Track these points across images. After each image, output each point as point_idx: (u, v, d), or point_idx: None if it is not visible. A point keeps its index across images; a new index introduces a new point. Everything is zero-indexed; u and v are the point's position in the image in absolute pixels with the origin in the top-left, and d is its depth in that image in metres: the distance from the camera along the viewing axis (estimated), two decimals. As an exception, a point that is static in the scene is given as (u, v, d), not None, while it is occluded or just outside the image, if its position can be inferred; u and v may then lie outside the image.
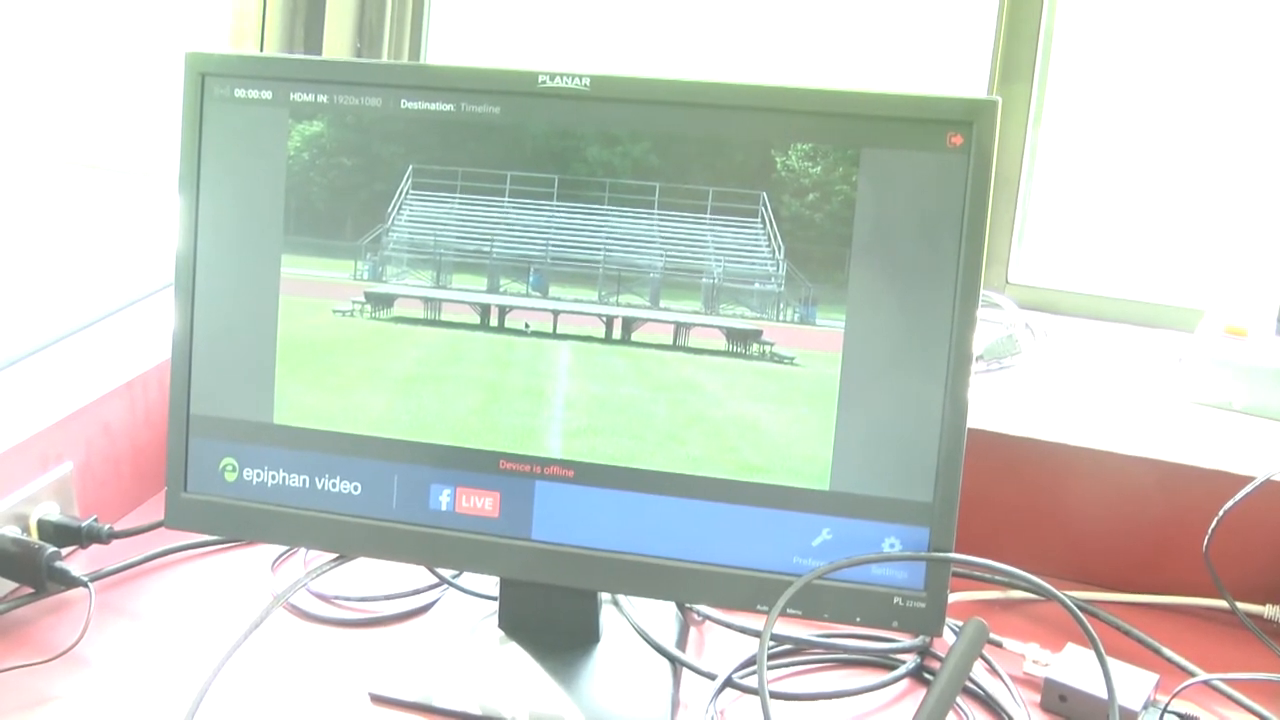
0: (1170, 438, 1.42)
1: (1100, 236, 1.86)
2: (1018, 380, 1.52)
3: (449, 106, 1.23)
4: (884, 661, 1.33)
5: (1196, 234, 1.81)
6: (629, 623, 1.34)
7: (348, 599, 1.42)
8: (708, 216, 1.20)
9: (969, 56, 1.82)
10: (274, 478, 1.28)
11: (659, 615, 1.37)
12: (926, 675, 1.32)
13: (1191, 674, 1.31)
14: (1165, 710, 1.25)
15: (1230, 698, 1.29)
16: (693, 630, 1.38)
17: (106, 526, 1.45)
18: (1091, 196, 1.85)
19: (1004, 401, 1.46)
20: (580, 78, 1.21)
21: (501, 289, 1.25)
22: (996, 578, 1.41)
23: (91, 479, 1.50)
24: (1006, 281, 1.81)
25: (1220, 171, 1.79)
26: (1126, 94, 1.81)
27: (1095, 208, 1.85)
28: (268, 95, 1.25)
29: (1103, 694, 1.20)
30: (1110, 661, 1.24)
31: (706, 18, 1.92)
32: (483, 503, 1.25)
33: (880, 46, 1.86)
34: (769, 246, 1.19)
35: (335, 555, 1.29)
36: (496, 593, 1.34)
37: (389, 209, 1.25)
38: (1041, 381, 1.52)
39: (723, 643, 1.36)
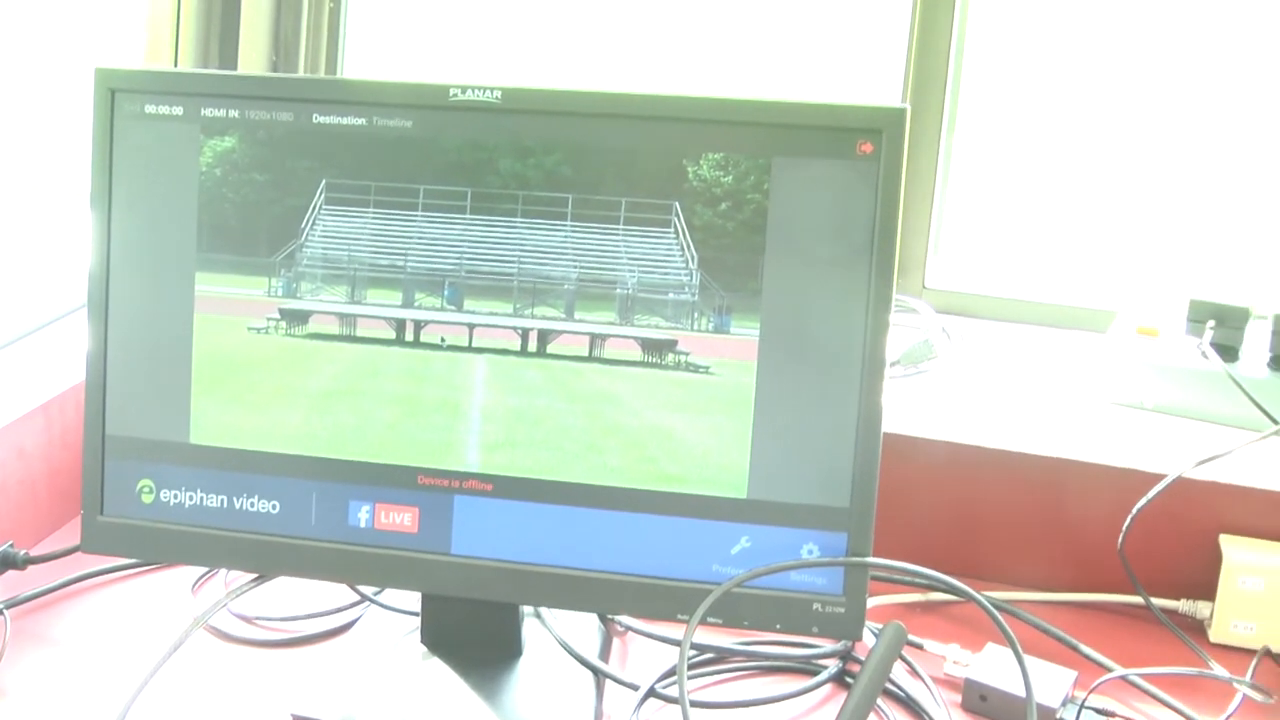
0: (1084, 438, 1.44)
1: (1016, 241, 1.88)
2: (935, 384, 1.53)
3: (361, 120, 1.22)
4: (806, 667, 1.34)
5: (1109, 237, 1.83)
6: (551, 635, 1.33)
7: (269, 619, 1.41)
8: (621, 227, 1.20)
9: (885, 65, 1.83)
10: (192, 498, 1.27)
11: (581, 627, 1.36)
12: (848, 680, 1.32)
13: (1109, 670, 1.32)
14: (1083, 706, 1.26)
15: (1147, 692, 1.31)
16: (615, 641, 1.38)
17: (22, 552, 1.42)
18: (1006, 201, 1.87)
19: (921, 405, 1.47)
20: (491, 90, 1.20)
21: (416, 303, 1.24)
22: (915, 580, 1.41)
23: (7, 503, 1.48)
24: (924, 287, 1.82)
25: (1130, 175, 1.81)
26: (1038, 100, 1.83)
27: (1010, 212, 1.87)
28: (179, 111, 1.24)
29: (1022, 693, 1.21)
30: (1029, 660, 1.25)
31: (626, 28, 1.92)
32: (401, 518, 1.24)
33: (796, 56, 1.87)
34: (682, 256, 1.19)
35: (255, 575, 1.27)
36: (418, 608, 1.33)
37: (302, 224, 1.24)
38: (958, 385, 1.53)
39: (646, 653, 1.36)
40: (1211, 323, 1.49)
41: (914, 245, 1.82)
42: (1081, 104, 1.81)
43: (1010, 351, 1.67)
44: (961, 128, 1.83)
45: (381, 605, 1.40)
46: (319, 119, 1.23)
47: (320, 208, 1.24)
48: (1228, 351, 1.49)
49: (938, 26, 1.78)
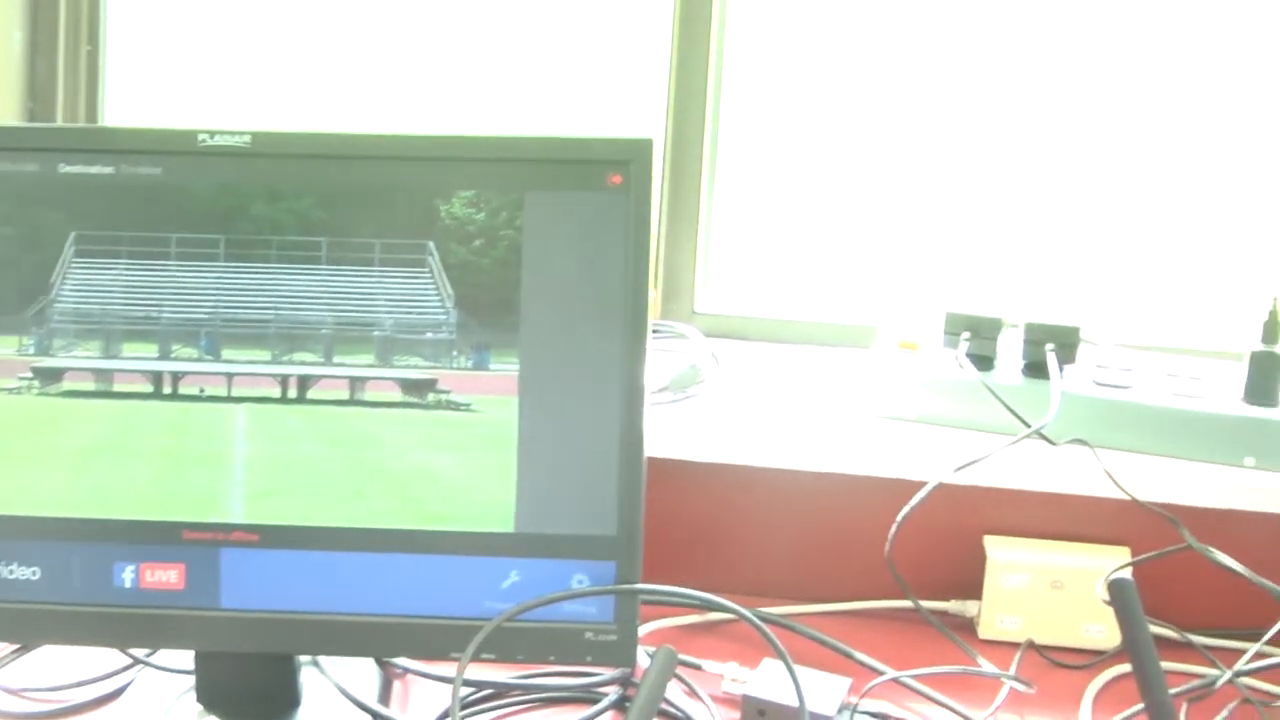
0: (851, 451, 1.47)
1: (785, 262, 1.91)
2: (704, 408, 1.55)
3: (109, 169, 1.19)
4: (587, 696, 1.34)
5: (870, 255, 1.87)
6: (330, 682, 1.31)
7: (36, 690, 1.35)
8: (376, 269, 1.19)
9: (648, 96, 1.85)
10: (-55, 569, 1.22)
11: (359, 672, 1.35)
12: (628, 706, 1.33)
13: (881, 673, 1.35)
14: (855, 711, 1.29)
15: (919, 692, 1.34)
16: (395, 684, 1.36)
17: None
18: (774, 224, 1.90)
19: (690, 429, 1.49)
20: (240, 134, 1.18)
21: (173, 355, 1.21)
22: (687, 602, 1.42)
23: None
24: (693, 312, 1.85)
25: (887, 193, 1.86)
26: (797, 123, 1.87)
27: (779, 235, 1.91)
28: (-82, 165, 1.19)
29: (798, 704, 1.23)
30: (804, 670, 1.28)
31: (386, 67, 1.91)
32: (167, 576, 1.21)
33: (558, 91, 1.88)
34: (439, 295, 1.19)
35: (17, 645, 1.23)
36: (192, 666, 1.29)
37: (52, 279, 1.20)
38: (727, 407, 1.56)
39: (426, 694, 1.34)
40: (966, 334, 1.54)
41: (681, 271, 1.84)
42: (838, 126, 1.86)
43: (779, 371, 1.70)
44: (725, 152, 1.86)
45: (154, 666, 1.36)
46: (65, 169, 1.19)
47: (70, 261, 1.20)
48: (984, 361, 1.54)
49: (696, 54, 1.81)
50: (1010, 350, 1.56)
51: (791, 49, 1.85)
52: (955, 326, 1.55)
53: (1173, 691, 1.17)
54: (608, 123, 1.87)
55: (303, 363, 1.20)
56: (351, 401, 1.20)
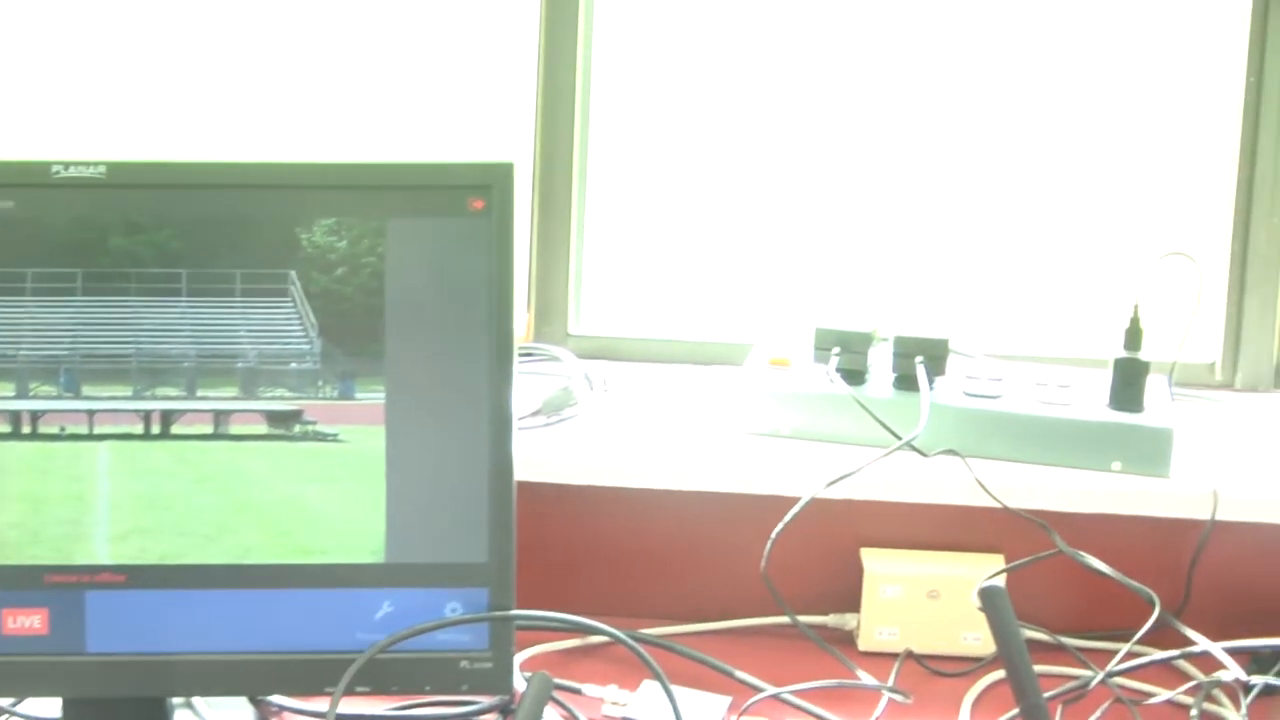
0: (725, 469, 1.51)
1: (657, 282, 1.95)
2: (577, 430, 1.58)
3: (-41, 205, 1.19)
4: (468, 725, 1.36)
5: (742, 272, 1.92)
6: (203, 723, 1.32)
7: (-106, 744, 1.34)
8: (238, 299, 1.21)
9: (515, 116, 1.88)
10: None
11: (234, 712, 1.35)
12: (510, 732, 1.35)
13: (761, 690, 1.39)
14: (736, 730, 1.33)
15: (799, 707, 1.38)
16: (271, 721, 1.38)
17: None
18: (647, 244, 1.94)
19: (563, 452, 1.52)
20: (95, 165, 1.19)
21: (31, 393, 1.22)
22: (562, 626, 1.45)
23: None
24: (567, 334, 1.87)
25: (758, 210, 1.90)
26: (668, 141, 1.91)
27: (652, 254, 1.94)
28: None
29: (678, 725, 1.26)
30: (684, 691, 1.31)
31: (248, 95, 1.91)
32: (30, 621, 1.21)
33: (423, 114, 1.90)
34: (302, 325, 1.21)
35: (-126, 698, 1.22)
36: (60, 714, 1.29)
37: (-98, 320, 1.20)
38: (601, 429, 1.59)
39: (303, 730, 1.36)
40: (837, 349, 1.58)
41: (554, 292, 1.87)
42: (708, 143, 1.90)
43: (653, 391, 1.74)
44: (596, 173, 1.89)
45: (21, 715, 1.35)
46: (-87, 206, 1.20)
47: (-79, 301, 1.20)
48: (854, 375, 1.58)
49: (562, 75, 1.84)
50: (881, 364, 1.61)
51: (659, 66, 1.89)
52: (825, 342, 1.59)
53: (1047, 694, 1.22)
54: (475, 147, 1.89)
55: (165, 397, 1.21)
56: (216, 435, 1.21)
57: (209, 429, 1.21)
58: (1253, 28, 1.76)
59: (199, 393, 1.21)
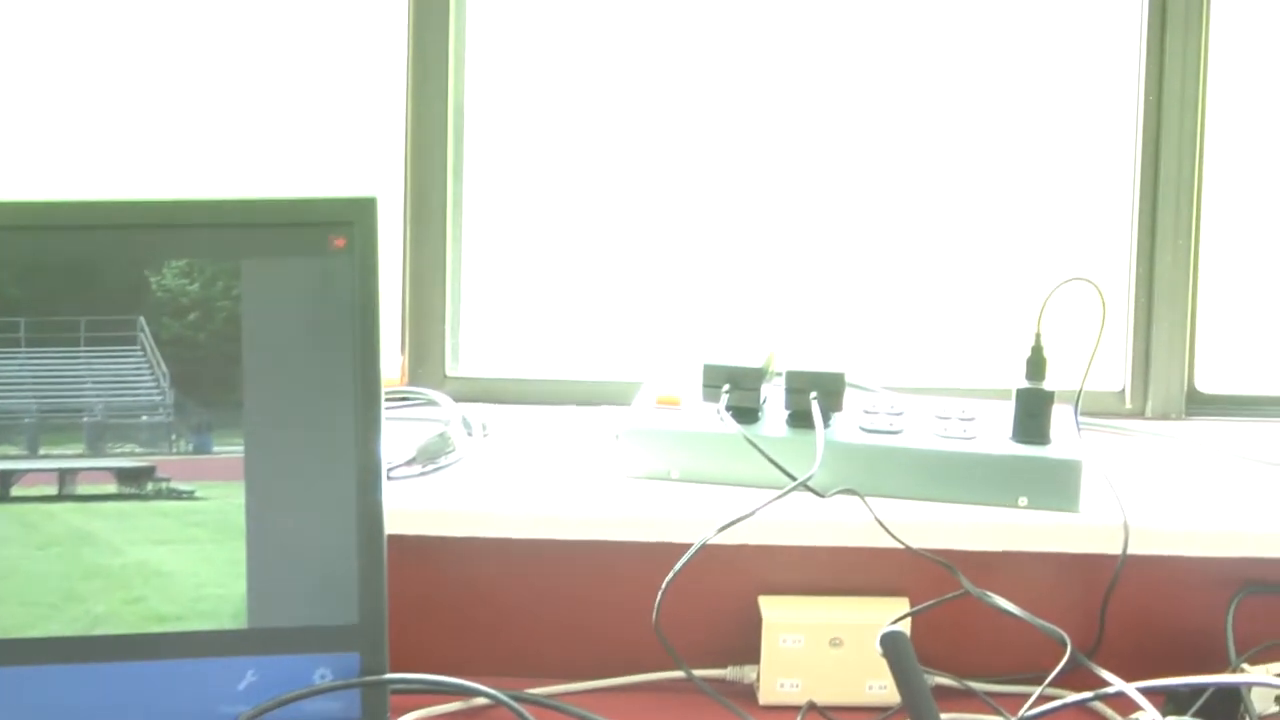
0: (612, 516, 1.49)
1: (543, 318, 1.93)
2: (455, 478, 1.56)
3: None
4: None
5: (630, 309, 1.91)
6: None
7: None
8: (83, 349, 1.18)
9: (386, 151, 1.85)
10: None
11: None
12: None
13: (656, 752, 1.37)
14: (630, 794, 1.30)
15: (695, 768, 1.36)
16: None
17: None
18: (530, 278, 1.92)
19: (441, 502, 1.49)
20: (-77, 209, 1.15)
21: None
22: (441, 689, 1.42)
23: None
24: (445, 376, 1.85)
25: (649, 242, 1.90)
26: (547, 176, 1.90)
27: (535, 289, 1.93)
28: None
29: (567, 791, 1.24)
30: (574, 755, 1.29)
31: (94, 127, 1.88)
32: None
33: (285, 150, 1.88)
34: (152, 374, 1.18)
35: None
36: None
37: None
38: (481, 476, 1.56)
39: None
40: (727, 386, 1.57)
41: (429, 332, 1.83)
42: (590, 177, 1.89)
43: (537, 434, 1.72)
44: (472, 209, 1.87)
45: None
46: None
47: None
48: (747, 413, 1.57)
49: (433, 108, 1.82)
50: (775, 401, 1.60)
51: (537, 92, 1.88)
52: (715, 378, 1.57)
53: (956, 742, 1.22)
54: (341, 181, 1.87)
55: (4, 456, 1.17)
56: (61, 497, 1.18)
57: (53, 490, 1.18)
58: (1149, 44, 1.79)
59: (41, 451, 1.18)
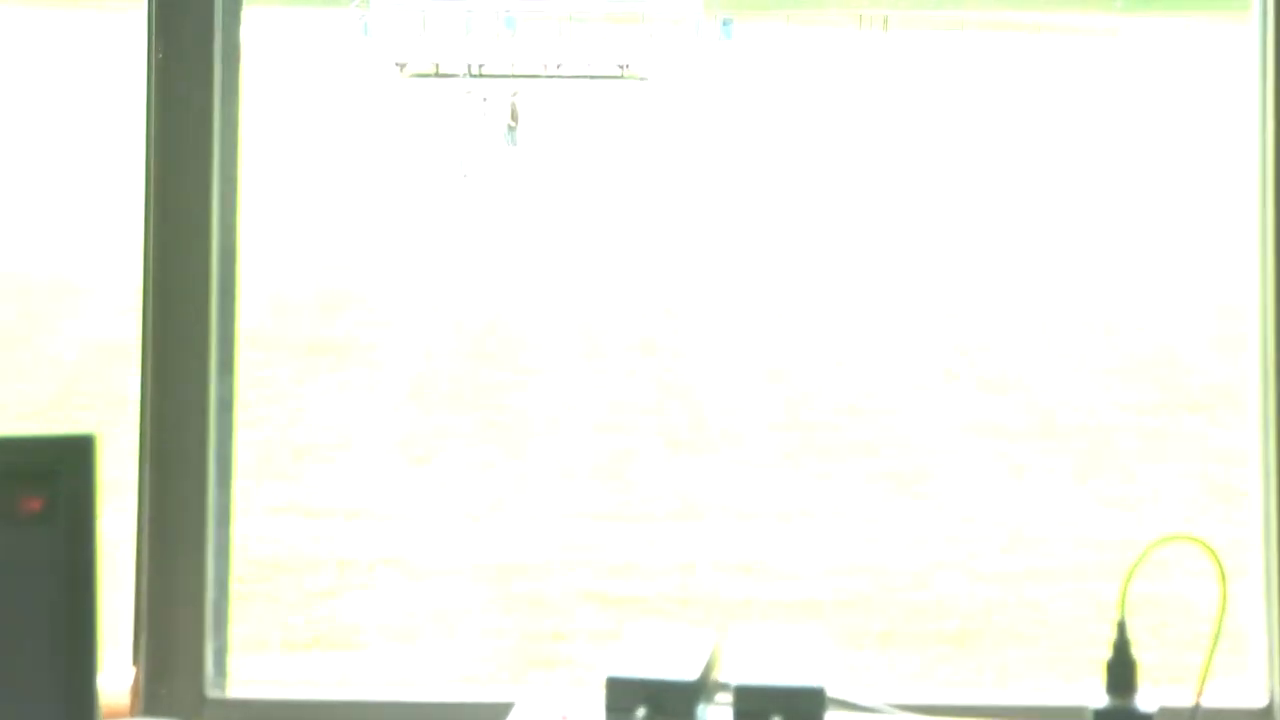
0: None
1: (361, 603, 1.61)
2: None
3: None
4: None
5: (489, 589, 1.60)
6: None
7: None
8: None
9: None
10: None
11: None
12: None
13: None
14: None
15: None
16: None
17: None
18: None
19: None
20: None
21: None
22: None
23: None
24: (202, 697, 1.55)
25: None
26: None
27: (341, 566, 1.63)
28: None
29: None
30: None
31: None
32: None
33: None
34: None
35: None
36: None
37: None
38: None
39: None
40: (642, 710, 1.28)
41: (177, 635, 1.53)
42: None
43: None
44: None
45: None
46: None
47: None
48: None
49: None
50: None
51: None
52: (623, 698, 1.30)
53: None
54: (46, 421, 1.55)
55: None
56: None
57: None
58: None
59: None
